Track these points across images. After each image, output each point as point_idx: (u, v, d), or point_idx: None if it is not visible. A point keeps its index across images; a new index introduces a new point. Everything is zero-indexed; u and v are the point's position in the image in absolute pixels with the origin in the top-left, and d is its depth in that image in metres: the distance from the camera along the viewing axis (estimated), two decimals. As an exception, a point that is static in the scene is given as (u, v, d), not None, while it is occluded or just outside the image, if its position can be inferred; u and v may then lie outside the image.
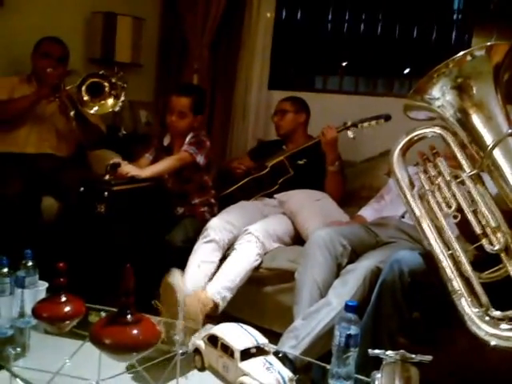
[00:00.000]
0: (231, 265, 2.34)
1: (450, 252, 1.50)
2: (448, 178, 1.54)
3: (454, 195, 1.52)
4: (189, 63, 3.63)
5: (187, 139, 2.76)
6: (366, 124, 2.72)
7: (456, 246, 1.49)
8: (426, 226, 1.54)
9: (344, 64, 3.73)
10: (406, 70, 3.54)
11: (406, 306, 1.76)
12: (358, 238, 2.18)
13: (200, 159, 2.71)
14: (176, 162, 2.71)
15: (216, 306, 2.21)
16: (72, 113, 2.76)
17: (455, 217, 1.50)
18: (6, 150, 2.77)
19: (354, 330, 1.36)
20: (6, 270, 1.56)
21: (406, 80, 3.58)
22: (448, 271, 1.48)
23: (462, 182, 1.52)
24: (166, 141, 2.87)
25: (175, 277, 2.02)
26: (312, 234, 2.19)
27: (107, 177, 2.51)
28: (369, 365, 1.33)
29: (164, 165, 2.71)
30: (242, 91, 3.55)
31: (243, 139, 3.57)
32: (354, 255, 2.11)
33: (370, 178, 2.87)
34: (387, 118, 2.66)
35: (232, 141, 3.63)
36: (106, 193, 2.40)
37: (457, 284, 1.46)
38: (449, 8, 3.38)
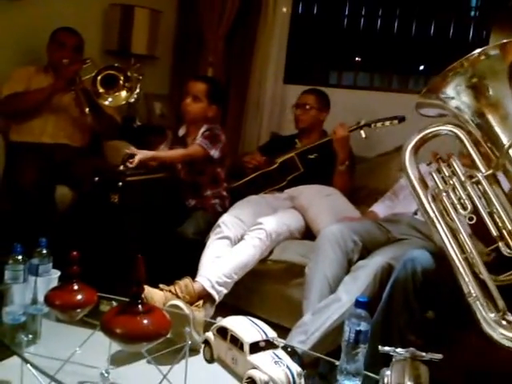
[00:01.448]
0: (234, 257, 2.32)
1: (465, 255, 1.47)
2: (463, 179, 1.50)
3: (469, 196, 1.48)
4: (204, 56, 3.64)
5: (201, 131, 2.77)
6: (379, 124, 2.70)
7: (471, 248, 1.46)
8: (440, 227, 1.50)
9: (359, 59, 3.71)
10: (421, 67, 3.51)
11: (417, 305, 1.75)
12: (370, 234, 2.17)
13: (214, 153, 2.71)
14: (186, 156, 2.73)
15: (210, 296, 2.19)
16: (87, 109, 2.79)
17: (470, 219, 1.47)
18: (21, 140, 2.80)
19: (363, 326, 1.36)
20: (20, 257, 1.57)
21: (421, 77, 3.56)
22: (463, 274, 1.45)
23: (477, 182, 1.48)
24: (181, 132, 2.88)
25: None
26: (323, 229, 2.19)
27: (122, 167, 2.54)
28: (378, 362, 1.33)
29: (174, 154, 2.75)
30: (257, 85, 3.55)
31: (256, 133, 3.57)
32: (365, 251, 2.11)
33: (382, 173, 2.86)
34: (401, 119, 2.63)
35: (245, 134, 3.64)
36: (120, 183, 2.43)
37: (472, 287, 1.44)
38: (466, 5, 3.35)
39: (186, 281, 2.13)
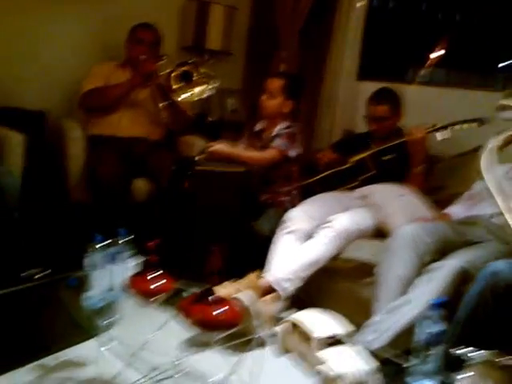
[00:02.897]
0: (303, 254, 2.31)
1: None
2: None
3: None
4: (278, 51, 3.64)
5: (279, 127, 2.80)
6: (457, 127, 2.59)
7: None
8: None
9: (436, 55, 3.61)
10: (502, 64, 3.37)
11: (497, 318, 1.66)
12: (444, 236, 2.11)
13: (292, 153, 2.75)
14: (263, 160, 2.77)
15: (277, 294, 2.18)
16: (162, 104, 2.86)
17: None
18: (101, 133, 2.89)
19: (436, 328, 1.33)
20: (100, 245, 1.64)
21: (500, 74, 3.41)
22: None
23: None
24: (259, 126, 2.93)
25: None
26: (396, 229, 2.15)
27: (197, 157, 2.62)
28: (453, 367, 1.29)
29: (251, 155, 2.79)
30: (331, 80, 3.52)
31: (328, 130, 3.54)
32: (439, 254, 2.05)
33: (460, 174, 2.75)
34: (482, 122, 2.46)
35: (318, 131, 3.61)
36: (189, 172, 2.51)
37: None
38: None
39: (251, 276, 2.14)
